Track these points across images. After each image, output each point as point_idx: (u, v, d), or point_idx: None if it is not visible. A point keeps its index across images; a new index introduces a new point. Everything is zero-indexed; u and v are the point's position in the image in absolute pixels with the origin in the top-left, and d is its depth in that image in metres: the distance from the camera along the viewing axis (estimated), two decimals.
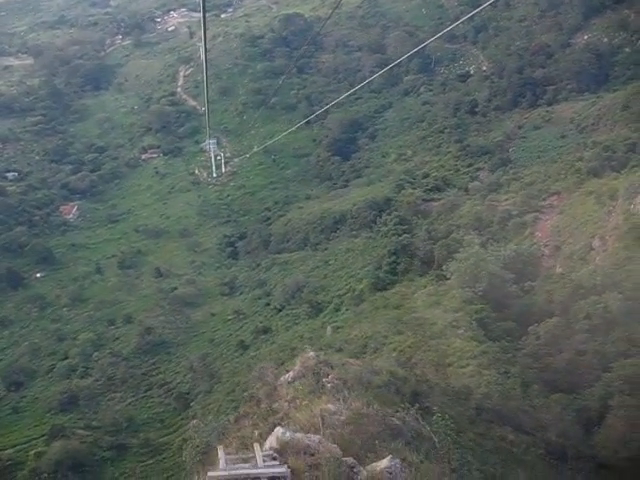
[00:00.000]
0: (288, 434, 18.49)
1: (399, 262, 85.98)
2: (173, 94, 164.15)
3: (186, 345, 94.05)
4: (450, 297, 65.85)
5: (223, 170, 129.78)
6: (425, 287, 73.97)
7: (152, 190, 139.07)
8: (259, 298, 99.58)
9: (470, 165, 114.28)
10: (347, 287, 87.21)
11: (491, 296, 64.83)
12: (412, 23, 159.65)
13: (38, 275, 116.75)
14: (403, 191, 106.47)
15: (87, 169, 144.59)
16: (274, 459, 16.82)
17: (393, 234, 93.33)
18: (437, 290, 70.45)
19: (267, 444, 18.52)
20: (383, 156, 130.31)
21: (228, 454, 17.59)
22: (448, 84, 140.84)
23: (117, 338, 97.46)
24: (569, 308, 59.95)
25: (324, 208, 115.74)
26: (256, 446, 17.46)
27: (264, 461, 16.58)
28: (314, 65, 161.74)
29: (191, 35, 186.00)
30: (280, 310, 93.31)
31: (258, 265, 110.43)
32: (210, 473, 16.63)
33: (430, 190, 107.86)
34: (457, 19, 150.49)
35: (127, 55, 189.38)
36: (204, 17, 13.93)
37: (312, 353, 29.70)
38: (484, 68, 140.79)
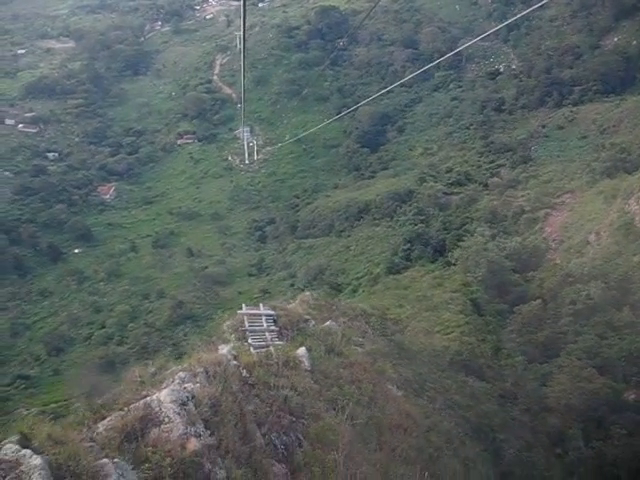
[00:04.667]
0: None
1: (413, 249, 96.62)
2: (209, 82, 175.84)
3: (214, 319, 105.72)
4: (452, 280, 76.73)
5: (255, 157, 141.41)
6: (433, 272, 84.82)
7: (186, 174, 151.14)
8: (284, 279, 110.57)
9: (492, 162, 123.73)
10: (365, 271, 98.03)
11: (489, 281, 75.33)
12: (446, 19, 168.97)
13: (77, 251, 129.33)
14: (425, 184, 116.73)
15: (125, 152, 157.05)
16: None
17: (410, 224, 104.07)
18: (442, 274, 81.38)
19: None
20: (410, 149, 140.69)
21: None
22: (477, 81, 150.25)
23: (151, 311, 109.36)
24: (557, 294, 70.22)
25: (350, 197, 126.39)
26: (261, 305, 29.35)
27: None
28: (347, 58, 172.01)
29: (228, 24, 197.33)
30: (302, 290, 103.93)
31: (284, 249, 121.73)
32: (238, 311, 28.61)
33: (451, 184, 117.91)
34: (490, 16, 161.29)
35: (166, 42, 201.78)
36: (244, 6, 14.11)
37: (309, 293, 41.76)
38: (514, 66, 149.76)
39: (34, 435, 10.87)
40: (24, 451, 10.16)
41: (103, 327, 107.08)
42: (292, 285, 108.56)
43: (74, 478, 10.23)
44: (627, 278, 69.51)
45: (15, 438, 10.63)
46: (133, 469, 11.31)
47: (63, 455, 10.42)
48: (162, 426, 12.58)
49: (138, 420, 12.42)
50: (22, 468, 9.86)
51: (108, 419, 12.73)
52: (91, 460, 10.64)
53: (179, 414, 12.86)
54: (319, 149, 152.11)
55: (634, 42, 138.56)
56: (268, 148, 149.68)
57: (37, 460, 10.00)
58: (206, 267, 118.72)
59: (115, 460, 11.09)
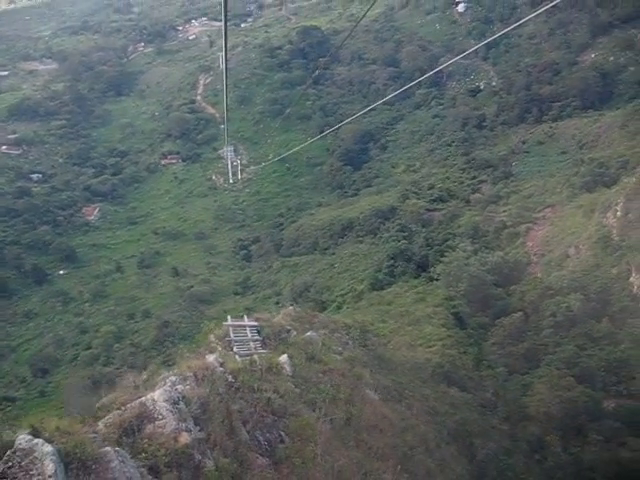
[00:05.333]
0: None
1: (397, 265, 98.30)
2: (193, 102, 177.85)
3: (202, 330, 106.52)
4: (435, 295, 78.53)
5: (239, 177, 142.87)
6: (416, 287, 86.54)
7: (170, 194, 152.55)
8: (269, 297, 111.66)
9: (474, 178, 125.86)
10: (349, 287, 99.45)
11: (471, 295, 77.14)
12: (426, 38, 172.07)
13: (61, 272, 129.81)
14: (407, 201, 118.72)
15: (109, 173, 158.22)
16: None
17: (394, 240, 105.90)
18: (425, 289, 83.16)
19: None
20: (393, 167, 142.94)
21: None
22: (458, 98, 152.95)
23: (136, 331, 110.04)
24: (538, 307, 72.12)
25: (334, 215, 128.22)
26: (245, 317, 30.80)
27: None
28: (329, 77, 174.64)
29: (211, 44, 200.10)
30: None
31: (270, 267, 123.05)
32: (224, 323, 30.07)
33: (434, 201, 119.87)
34: (469, 34, 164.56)
35: (149, 62, 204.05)
36: (225, 26, 14.34)
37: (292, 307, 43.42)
38: (494, 84, 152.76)
39: (44, 428, 12.36)
40: (36, 440, 11.65)
41: (89, 348, 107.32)
42: (277, 303, 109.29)
43: (81, 463, 11.71)
44: (606, 290, 71.67)
45: (27, 431, 12.11)
46: (132, 458, 12.80)
47: (70, 444, 11.94)
48: (156, 422, 14.10)
49: (135, 417, 13.93)
50: (35, 455, 11.33)
51: (107, 417, 14.21)
52: (95, 448, 12.14)
53: (171, 412, 14.36)
54: (303, 168, 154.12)
55: (611, 58, 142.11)
56: (252, 167, 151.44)
57: (48, 447, 11.51)
58: (191, 286, 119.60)
59: (116, 449, 12.60)
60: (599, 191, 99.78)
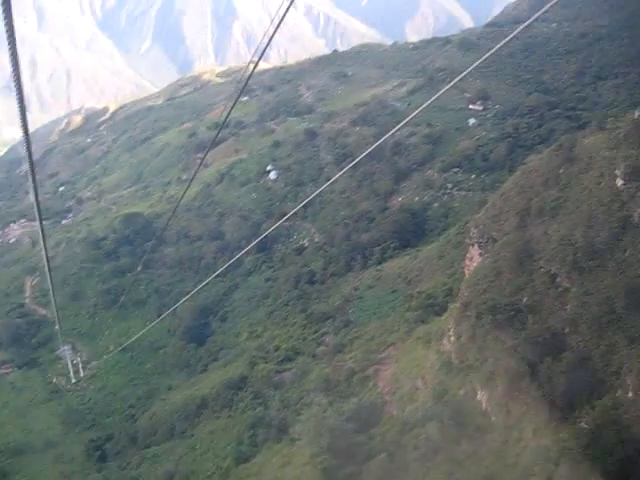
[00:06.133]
0: None
1: (257, 434, 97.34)
2: (22, 305, 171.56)
3: None
4: (300, 455, 78.19)
5: (82, 374, 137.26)
6: (281, 451, 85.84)
7: (9, 406, 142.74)
8: None
9: (316, 331, 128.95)
10: (214, 467, 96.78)
11: (335, 448, 77.57)
12: (245, 208, 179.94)
13: None
14: (256, 367, 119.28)
15: None
16: None
17: (250, 409, 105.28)
18: (289, 451, 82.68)
19: None
20: (236, 336, 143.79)
21: None
22: (286, 259, 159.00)
23: None
24: (399, 444, 73.77)
25: (186, 395, 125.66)
26: None
27: None
28: (159, 259, 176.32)
29: (33, 244, 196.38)
30: None
31: (128, 463, 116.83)
32: None
33: (282, 361, 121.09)
34: (285, 197, 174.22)
35: None
36: (41, 223, 15.07)
37: None
38: (317, 239, 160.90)
39: None
40: None
41: None
42: None
43: None
44: (458, 412, 74.85)
45: None
46: None
47: None
48: None
49: None
50: None
51: None
52: None
53: None
54: (146, 353, 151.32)
55: (416, 199, 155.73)
56: (94, 363, 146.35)
57: None
58: None
59: None
60: (432, 321, 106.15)
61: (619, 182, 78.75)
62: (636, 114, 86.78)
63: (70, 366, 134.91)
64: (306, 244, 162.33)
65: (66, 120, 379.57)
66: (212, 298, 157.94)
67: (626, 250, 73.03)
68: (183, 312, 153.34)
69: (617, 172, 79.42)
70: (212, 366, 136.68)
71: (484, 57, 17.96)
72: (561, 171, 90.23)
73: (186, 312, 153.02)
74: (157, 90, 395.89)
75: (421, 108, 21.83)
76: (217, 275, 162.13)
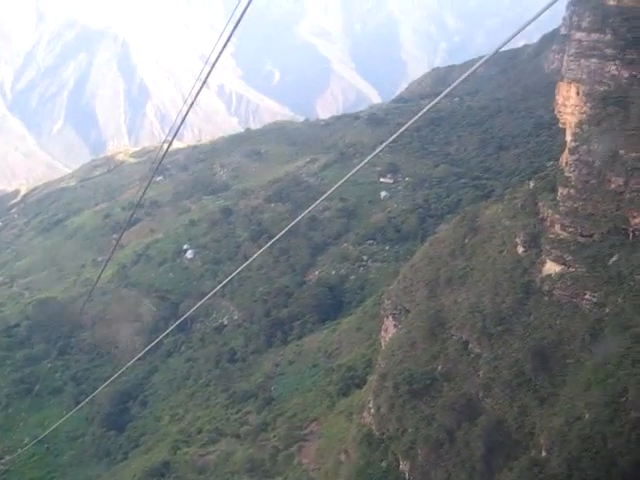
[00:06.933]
0: None
1: None
2: None
3: None
4: None
5: None
6: None
7: None
8: None
9: (239, 411, 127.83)
10: None
11: None
12: (163, 287, 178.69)
13: None
14: (179, 451, 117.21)
15: None
16: None
17: None
18: None
19: None
20: (157, 420, 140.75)
21: None
22: (206, 338, 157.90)
23: None
24: None
25: None
26: None
27: None
28: (75, 344, 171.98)
29: None
30: None
31: None
32: None
33: (205, 444, 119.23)
34: (202, 276, 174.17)
35: None
36: None
37: None
38: (236, 317, 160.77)
39: None
40: None
41: None
42: None
43: None
44: None
45: None
46: None
47: None
48: None
49: None
50: None
51: None
52: None
53: None
54: (63, 444, 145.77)
55: (332, 272, 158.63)
56: (7, 457, 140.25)
57: None
58: None
59: None
60: (353, 393, 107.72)
61: (520, 250, 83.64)
62: (531, 184, 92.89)
63: None
64: (225, 322, 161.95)
65: None
66: (131, 382, 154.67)
67: (531, 314, 77.18)
68: (101, 398, 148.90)
69: (517, 240, 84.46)
70: (133, 453, 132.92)
71: (398, 132, 19.98)
72: (466, 241, 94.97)
73: (105, 398, 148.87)
74: (70, 171, 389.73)
75: (340, 183, 23.73)
76: (138, 358, 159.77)
